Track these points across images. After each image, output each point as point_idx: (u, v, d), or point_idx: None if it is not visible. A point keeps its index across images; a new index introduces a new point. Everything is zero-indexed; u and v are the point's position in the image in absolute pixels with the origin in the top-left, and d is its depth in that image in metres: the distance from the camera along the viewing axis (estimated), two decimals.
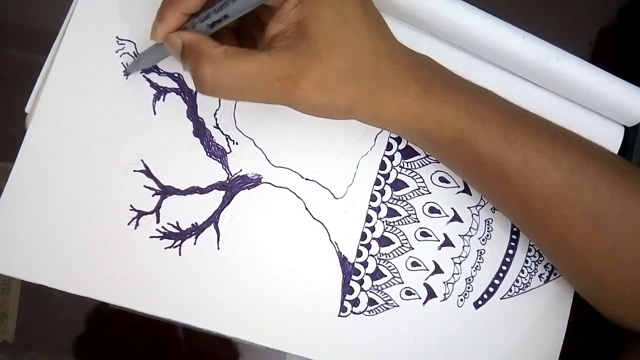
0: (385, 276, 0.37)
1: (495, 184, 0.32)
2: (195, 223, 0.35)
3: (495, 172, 0.31)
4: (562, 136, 0.32)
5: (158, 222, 0.34)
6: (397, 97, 0.29)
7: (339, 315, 0.36)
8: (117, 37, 0.35)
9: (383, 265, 0.37)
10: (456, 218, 0.38)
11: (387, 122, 0.31)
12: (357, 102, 0.29)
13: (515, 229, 0.38)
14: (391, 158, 0.37)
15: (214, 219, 0.35)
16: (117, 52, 0.35)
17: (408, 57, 0.31)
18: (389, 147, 0.38)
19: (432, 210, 0.38)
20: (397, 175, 0.37)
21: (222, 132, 0.36)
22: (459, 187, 0.38)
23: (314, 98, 0.28)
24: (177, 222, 0.35)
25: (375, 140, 0.37)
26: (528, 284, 0.38)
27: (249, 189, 0.36)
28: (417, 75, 0.30)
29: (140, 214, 0.34)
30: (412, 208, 0.37)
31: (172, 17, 0.28)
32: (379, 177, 0.37)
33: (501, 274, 0.38)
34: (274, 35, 0.27)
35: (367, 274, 0.37)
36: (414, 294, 0.37)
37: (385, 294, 0.37)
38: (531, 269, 0.38)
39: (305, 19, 0.26)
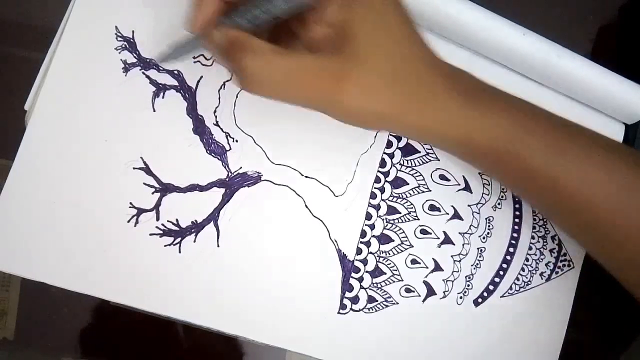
0: (385, 274, 0.37)
1: (546, 194, 0.32)
2: (195, 221, 0.35)
3: (547, 182, 0.31)
4: (612, 147, 0.32)
5: (158, 219, 0.34)
6: (438, 105, 0.29)
7: (339, 313, 0.36)
8: (116, 34, 0.35)
9: (383, 263, 0.37)
10: (456, 216, 0.38)
11: (425, 132, 0.30)
12: (397, 108, 0.28)
13: (516, 227, 0.38)
14: (391, 156, 0.37)
15: (213, 217, 0.35)
16: (116, 49, 0.35)
17: (449, 68, 0.30)
18: (389, 144, 0.38)
19: (432, 207, 0.38)
20: (397, 172, 0.37)
21: (221, 129, 0.36)
22: (459, 184, 0.38)
23: (354, 101, 0.27)
24: (176, 220, 0.35)
25: (375, 137, 0.37)
26: (529, 283, 0.38)
27: (248, 186, 0.36)
28: (460, 86, 0.30)
29: (140, 211, 0.34)
30: (412, 206, 0.37)
31: (208, 4, 0.27)
32: (379, 174, 0.37)
33: (501, 272, 0.38)
34: (315, 35, 0.27)
35: (366, 272, 0.37)
36: (414, 292, 0.37)
37: (384, 291, 0.37)
38: (532, 267, 0.38)
39: (348, 21, 0.26)
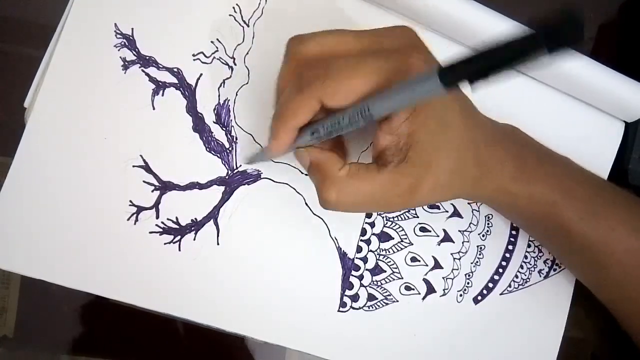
0: (385, 272, 0.37)
1: (578, 251, 0.34)
2: (195, 219, 0.35)
3: (580, 240, 0.33)
4: (634, 204, 0.34)
5: (157, 217, 0.34)
6: (494, 178, 0.31)
7: (339, 311, 0.36)
8: (115, 31, 0.35)
9: (383, 261, 0.37)
10: (456, 214, 0.38)
11: (482, 199, 0.34)
12: (462, 190, 0.31)
13: (515, 225, 0.38)
14: None
15: (213, 215, 0.35)
16: (115, 46, 0.35)
17: (499, 136, 0.32)
18: None
19: (432, 205, 0.38)
20: None
21: (221, 127, 0.36)
22: None
23: (427, 199, 0.29)
24: (176, 218, 0.35)
25: None
26: (527, 280, 0.38)
27: (248, 184, 0.36)
28: (510, 153, 0.32)
29: (140, 209, 0.34)
30: None
31: (285, 133, 0.29)
32: None
33: (501, 270, 0.38)
34: (385, 146, 0.28)
35: (366, 270, 0.37)
36: (414, 290, 0.37)
37: (384, 289, 0.37)
38: (530, 264, 0.39)
39: (414, 130, 0.27)
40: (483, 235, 0.38)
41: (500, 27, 0.36)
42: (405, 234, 0.37)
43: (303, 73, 0.28)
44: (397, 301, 0.37)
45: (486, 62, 0.20)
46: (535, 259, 0.39)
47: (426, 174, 0.28)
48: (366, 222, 0.37)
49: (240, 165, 0.36)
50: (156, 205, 0.34)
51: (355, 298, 0.36)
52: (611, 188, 0.35)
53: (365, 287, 0.36)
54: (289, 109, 0.28)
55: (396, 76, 0.26)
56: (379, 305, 0.37)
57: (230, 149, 0.35)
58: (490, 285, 0.38)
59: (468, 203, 0.38)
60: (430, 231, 0.38)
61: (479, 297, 0.38)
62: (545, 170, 0.33)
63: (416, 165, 0.28)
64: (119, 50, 0.35)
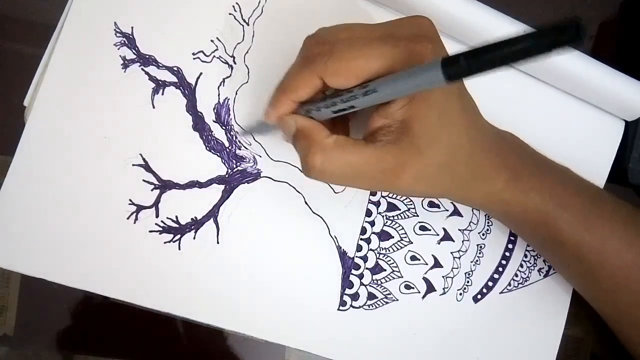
0: (385, 270, 0.37)
1: (571, 262, 0.34)
2: (195, 217, 0.35)
3: (573, 251, 0.33)
4: (631, 217, 0.34)
5: (157, 216, 0.34)
6: (487, 184, 0.31)
7: (339, 309, 0.36)
8: (115, 30, 0.35)
9: (383, 260, 0.37)
10: (456, 212, 0.38)
11: (474, 204, 0.34)
12: (451, 189, 0.31)
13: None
14: None
15: (213, 213, 0.35)
16: (115, 45, 0.35)
17: (497, 142, 0.32)
18: None
19: (432, 204, 0.38)
20: None
21: (221, 126, 0.36)
22: None
23: (411, 187, 0.29)
24: (176, 217, 0.35)
25: None
26: (527, 279, 0.38)
27: (248, 183, 0.36)
28: (506, 161, 0.32)
29: (140, 208, 0.34)
30: (411, 202, 0.37)
31: (283, 104, 0.29)
32: None
33: (500, 269, 0.38)
34: (378, 127, 0.28)
35: (366, 269, 0.37)
36: (413, 288, 0.37)
37: (384, 288, 0.37)
38: (530, 263, 0.39)
39: (410, 117, 0.27)
40: (483, 234, 0.38)
41: (504, 28, 0.36)
42: (405, 233, 0.37)
43: (310, 49, 0.28)
44: (397, 300, 0.37)
45: (490, 57, 0.20)
46: (535, 257, 0.39)
47: (413, 160, 0.28)
48: (366, 221, 0.37)
49: (240, 164, 0.36)
50: (156, 204, 0.34)
51: (355, 297, 0.36)
52: (609, 199, 0.35)
53: (365, 285, 0.36)
54: (291, 82, 0.28)
55: (402, 63, 0.26)
56: (379, 304, 0.37)
57: (230, 147, 0.35)
58: (490, 284, 0.38)
59: None
60: (430, 230, 0.38)
61: (479, 296, 0.38)
62: (541, 179, 0.33)
63: (405, 149, 0.27)
64: (118, 49, 0.35)
